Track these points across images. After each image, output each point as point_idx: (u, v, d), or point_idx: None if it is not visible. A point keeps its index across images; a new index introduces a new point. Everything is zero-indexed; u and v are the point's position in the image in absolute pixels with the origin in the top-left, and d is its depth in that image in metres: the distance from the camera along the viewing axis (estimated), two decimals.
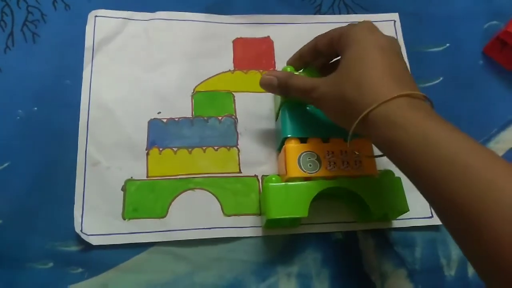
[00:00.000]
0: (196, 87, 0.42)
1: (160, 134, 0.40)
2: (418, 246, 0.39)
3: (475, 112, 0.44)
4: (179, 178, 0.38)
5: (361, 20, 0.46)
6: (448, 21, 0.48)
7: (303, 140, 0.37)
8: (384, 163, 0.40)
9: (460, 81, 0.46)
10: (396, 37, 0.46)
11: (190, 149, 0.39)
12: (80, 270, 0.35)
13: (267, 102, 0.42)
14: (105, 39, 0.43)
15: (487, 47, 0.47)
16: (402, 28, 0.47)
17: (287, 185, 0.35)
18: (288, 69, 0.39)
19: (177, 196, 0.38)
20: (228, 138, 0.40)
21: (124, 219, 0.37)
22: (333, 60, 0.38)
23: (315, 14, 0.47)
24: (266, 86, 0.37)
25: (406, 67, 0.32)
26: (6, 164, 0.38)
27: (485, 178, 0.24)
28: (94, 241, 0.35)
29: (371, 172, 0.36)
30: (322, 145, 0.36)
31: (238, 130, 0.41)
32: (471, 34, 0.48)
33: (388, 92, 0.29)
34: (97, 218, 0.36)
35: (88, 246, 0.35)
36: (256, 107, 0.42)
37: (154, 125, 0.40)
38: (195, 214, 0.37)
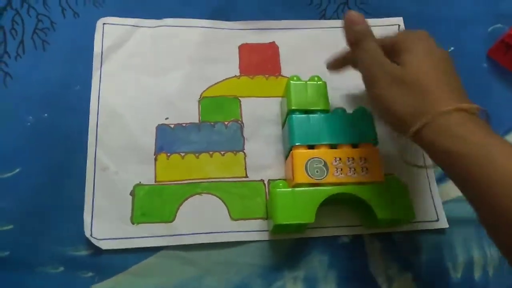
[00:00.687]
0: (203, 92, 0.43)
1: (168, 139, 0.40)
2: (424, 249, 0.39)
3: (480, 115, 0.44)
4: (187, 183, 0.39)
5: None
6: (452, 25, 0.48)
7: (310, 146, 0.37)
8: (390, 169, 0.40)
9: (465, 84, 0.45)
10: None
11: (197, 154, 0.40)
12: (90, 274, 0.36)
13: (273, 107, 0.43)
14: (113, 46, 0.44)
15: (492, 50, 0.47)
16: None
17: (294, 191, 0.35)
18: (295, 78, 0.39)
19: (185, 200, 0.38)
20: (234, 143, 0.41)
21: (133, 223, 0.37)
22: None
23: (320, 19, 0.48)
24: (349, 22, 0.34)
25: (460, 80, 0.32)
26: (17, 170, 0.38)
27: None
28: (104, 245, 0.36)
29: (378, 179, 0.36)
30: (330, 152, 0.37)
31: (244, 135, 0.41)
32: (476, 37, 0.48)
33: (449, 102, 0.29)
34: (106, 222, 0.37)
35: (97, 251, 0.36)
36: (262, 112, 0.42)
37: (162, 130, 0.41)
38: (203, 219, 0.38)
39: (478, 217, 0.28)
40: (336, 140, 0.37)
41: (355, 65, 0.37)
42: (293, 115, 0.38)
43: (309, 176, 0.36)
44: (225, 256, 0.37)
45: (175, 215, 0.38)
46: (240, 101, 0.43)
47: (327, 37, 0.46)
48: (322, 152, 0.37)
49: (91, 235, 0.36)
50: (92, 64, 0.43)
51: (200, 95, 0.43)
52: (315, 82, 0.40)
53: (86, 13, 0.45)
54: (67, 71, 0.42)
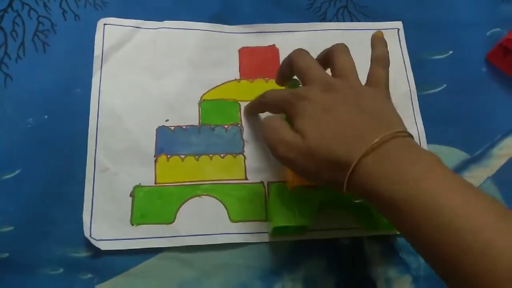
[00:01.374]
0: (203, 95, 0.43)
1: (168, 141, 0.40)
2: None
3: (479, 119, 0.45)
4: (187, 184, 0.39)
5: (366, 27, 0.47)
6: (451, 29, 0.49)
7: None
8: None
9: (464, 88, 0.46)
10: (399, 45, 0.47)
11: (197, 157, 0.40)
12: (89, 275, 0.36)
13: None
14: (113, 47, 0.44)
15: (490, 54, 0.47)
16: (405, 36, 0.47)
17: (293, 194, 0.35)
18: (293, 81, 0.39)
19: (185, 202, 0.38)
20: (234, 145, 0.41)
21: (132, 224, 0.37)
22: None
23: (320, 22, 0.48)
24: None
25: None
26: (17, 172, 0.38)
27: (483, 241, 0.23)
28: (103, 246, 0.36)
29: None
30: None
31: (244, 138, 0.41)
32: (474, 41, 0.48)
33: (374, 135, 0.27)
34: (106, 223, 0.37)
35: (97, 252, 0.36)
36: (262, 115, 0.42)
37: (162, 132, 0.41)
38: (202, 220, 0.38)
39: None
40: None
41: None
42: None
43: None
44: (225, 258, 0.37)
45: (175, 217, 0.38)
46: (240, 104, 0.43)
47: (327, 39, 0.46)
48: None
49: (90, 235, 0.36)
50: (93, 66, 0.43)
51: (201, 98, 0.43)
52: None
53: (86, 15, 0.45)
54: (67, 73, 0.42)
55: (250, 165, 0.40)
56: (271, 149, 0.32)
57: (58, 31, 0.44)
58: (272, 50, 0.46)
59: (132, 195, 0.38)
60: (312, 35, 0.47)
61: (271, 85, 0.44)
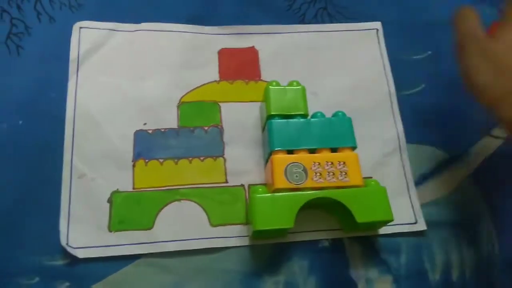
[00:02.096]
0: (181, 97, 0.42)
1: (146, 145, 0.40)
2: (403, 252, 0.39)
3: (458, 119, 0.45)
4: (166, 189, 0.38)
5: (345, 29, 0.47)
6: (429, 29, 0.49)
7: (290, 151, 0.37)
8: (369, 173, 0.40)
9: (442, 88, 0.46)
10: (379, 46, 0.47)
11: (176, 160, 0.40)
12: (66, 284, 0.35)
13: (253, 111, 0.42)
14: (90, 50, 0.43)
15: None
16: (384, 37, 0.48)
17: (274, 196, 0.35)
18: (274, 83, 0.39)
19: (164, 207, 0.38)
20: (214, 148, 0.41)
21: (110, 231, 0.37)
22: None
23: (299, 23, 0.48)
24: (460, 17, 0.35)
25: None
26: None
27: None
28: (80, 254, 0.35)
29: (357, 182, 0.36)
30: (309, 156, 0.37)
31: (224, 140, 0.41)
32: (452, 41, 0.49)
33: None
34: (83, 230, 0.36)
35: (74, 260, 0.35)
36: (242, 117, 0.42)
37: (140, 136, 0.40)
38: (182, 225, 0.37)
39: None
40: (315, 145, 0.37)
41: None
42: (273, 120, 0.38)
43: (289, 181, 0.36)
44: (205, 263, 0.37)
45: (154, 222, 0.37)
46: (219, 106, 0.42)
47: (306, 41, 0.46)
48: (301, 157, 0.37)
49: (67, 243, 0.35)
50: (69, 69, 0.42)
51: (179, 100, 0.42)
52: (294, 87, 0.40)
53: (62, 17, 0.44)
54: (42, 76, 0.41)
55: (230, 168, 0.40)
56: None
57: (32, 33, 0.43)
58: (252, 51, 0.45)
59: (109, 201, 0.37)
60: (292, 37, 0.46)
61: (251, 86, 0.44)
